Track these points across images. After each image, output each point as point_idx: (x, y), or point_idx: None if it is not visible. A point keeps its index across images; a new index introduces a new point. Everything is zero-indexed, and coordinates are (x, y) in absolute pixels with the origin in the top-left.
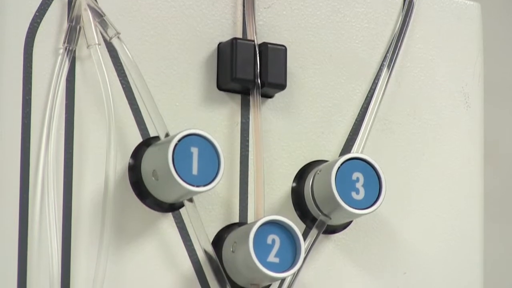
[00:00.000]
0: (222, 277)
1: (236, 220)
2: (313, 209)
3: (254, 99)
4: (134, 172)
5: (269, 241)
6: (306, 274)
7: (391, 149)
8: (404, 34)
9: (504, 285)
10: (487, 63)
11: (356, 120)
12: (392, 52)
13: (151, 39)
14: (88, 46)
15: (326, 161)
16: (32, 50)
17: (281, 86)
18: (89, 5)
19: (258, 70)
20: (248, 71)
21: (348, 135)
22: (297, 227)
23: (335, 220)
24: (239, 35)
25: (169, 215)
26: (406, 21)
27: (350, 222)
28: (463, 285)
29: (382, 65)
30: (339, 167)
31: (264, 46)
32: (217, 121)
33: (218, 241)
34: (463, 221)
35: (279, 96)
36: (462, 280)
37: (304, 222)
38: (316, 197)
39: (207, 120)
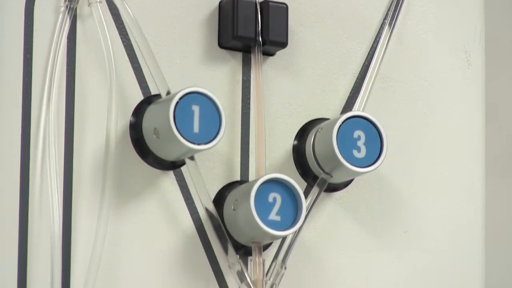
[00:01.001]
0: (223, 235)
1: (237, 178)
2: (314, 167)
3: (255, 57)
4: (135, 130)
5: (270, 199)
6: (307, 232)
7: (393, 107)
8: None
9: (506, 241)
10: (489, 23)
11: (357, 78)
12: (394, 9)
13: None
14: (89, 4)
15: (328, 119)
16: (33, 8)
17: (282, 44)
18: None
19: (259, 28)
20: (249, 29)
21: (350, 93)
22: (299, 185)
23: (336, 178)
24: None
25: (170, 173)
26: None
27: (352, 180)
28: (464, 243)
29: (383, 23)
30: (340, 125)
31: (265, 3)
32: (218, 79)
33: (219, 199)
34: (465, 179)
35: (280, 54)
36: (463, 238)
37: (306, 180)
38: (317, 155)
39: (208, 78)
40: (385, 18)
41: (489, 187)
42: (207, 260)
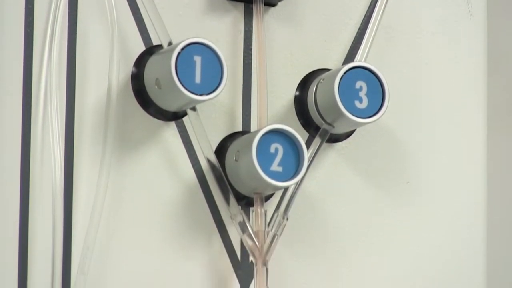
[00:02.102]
0: (225, 186)
1: (239, 129)
2: (316, 117)
3: (257, 8)
4: (137, 81)
5: (272, 150)
6: (309, 183)
7: (394, 58)
8: None
9: (508, 189)
10: None
11: (359, 28)
12: None
13: None
14: None
15: (329, 69)
16: None
17: None
18: None
19: None
20: None
21: (351, 44)
22: (300, 136)
23: (338, 129)
24: None
25: (172, 124)
26: None
27: (353, 130)
28: (466, 192)
29: None
30: (342, 76)
31: None
32: (220, 29)
33: (221, 150)
34: (467, 129)
35: (282, 4)
36: (466, 188)
37: (307, 130)
38: (319, 106)
39: (210, 29)
40: None
41: (491, 137)
42: (209, 211)
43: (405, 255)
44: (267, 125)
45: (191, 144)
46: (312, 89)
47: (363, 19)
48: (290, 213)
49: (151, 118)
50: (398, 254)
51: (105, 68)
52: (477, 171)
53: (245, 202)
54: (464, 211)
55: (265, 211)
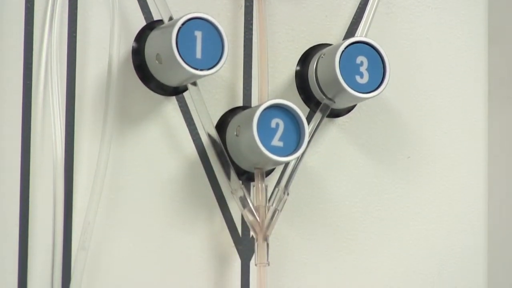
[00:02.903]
0: (226, 161)
1: (240, 103)
2: (317, 92)
3: None
4: (138, 56)
5: (273, 124)
6: (310, 158)
7: (395, 33)
8: None
9: (510, 171)
10: None
11: (360, 3)
12: None
13: None
14: None
15: (330, 44)
16: None
17: None
18: None
19: None
20: None
21: (352, 19)
22: (301, 111)
23: (339, 104)
24: None
25: (173, 99)
26: None
27: (354, 105)
28: (467, 167)
29: None
30: (343, 51)
31: None
32: (221, 4)
33: (221, 125)
34: (467, 104)
35: None
36: (467, 163)
37: (308, 105)
38: (320, 81)
39: (210, 4)
40: None
41: (492, 111)
42: (210, 186)
43: (405, 229)
44: (268, 100)
45: (192, 119)
46: (313, 64)
47: None
48: (291, 188)
49: (151, 93)
50: (399, 228)
51: (106, 43)
52: (478, 146)
53: (246, 177)
54: (464, 186)
55: (266, 186)
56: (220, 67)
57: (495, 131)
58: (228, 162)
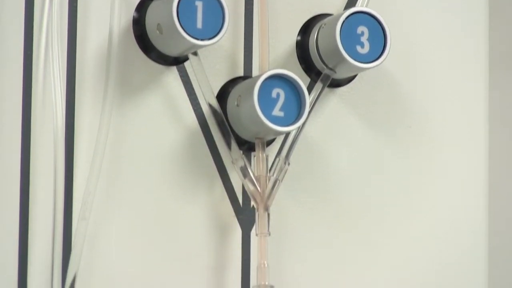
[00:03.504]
0: (227, 131)
1: (241, 74)
2: (318, 62)
3: None
4: (139, 26)
5: (273, 94)
6: (311, 128)
7: (396, 3)
8: None
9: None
10: None
11: None
12: None
13: None
14: None
15: (331, 14)
16: None
17: None
18: None
19: None
20: None
21: None
22: (302, 81)
23: (340, 74)
24: None
25: (174, 69)
26: None
27: (355, 75)
28: (467, 137)
29: None
30: (344, 21)
31: None
32: None
33: (222, 95)
34: (468, 75)
35: None
36: (467, 132)
37: (309, 75)
38: (321, 51)
39: None
40: None
41: (492, 82)
42: (211, 156)
43: (406, 198)
44: (269, 70)
45: (193, 89)
46: (314, 34)
47: None
48: (292, 158)
49: (152, 63)
50: (399, 197)
51: (107, 13)
52: (479, 114)
53: (247, 147)
54: (465, 153)
55: (267, 156)
56: (221, 37)
57: (496, 99)
58: (229, 132)
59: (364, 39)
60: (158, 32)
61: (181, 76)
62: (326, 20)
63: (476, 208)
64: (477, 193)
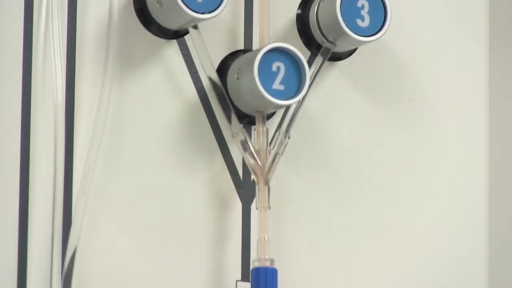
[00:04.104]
0: (227, 104)
1: (241, 47)
2: (318, 36)
3: None
4: None
5: (274, 68)
6: (311, 101)
7: None
8: None
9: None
10: None
11: None
12: None
13: None
14: None
15: None
16: None
17: None
18: None
19: None
20: None
21: None
22: (302, 54)
23: (340, 47)
24: None
25: (174, 42)
26: None
27: (355, 49)
28: (468, 108)
29: None
30: None
31: None
32: None
33: (222, 68)
34: (469, 44)
35: None
36: (468, 106)
37: (309, 49)
38: (321, 24)
39: None
40: None
41: (493, 55)
42: (211, 130)
43: (405, 171)
44: (269, 44)
45: (193, 63)
46: (314, 8)
47: None
48: (292, 131)
49: (152, 36)
50: (399, 170)
51: None
52: (480, 88)
53: (247, 120)
54: (466, 127)
55: (267, 130)
56: (221, 10)
57: (496, 72)
58: (229, 105)
59: (364, 12)
60: (158, 5)
61: (181, 50)
62: None
63: (476, 175)
64: (478, 161)
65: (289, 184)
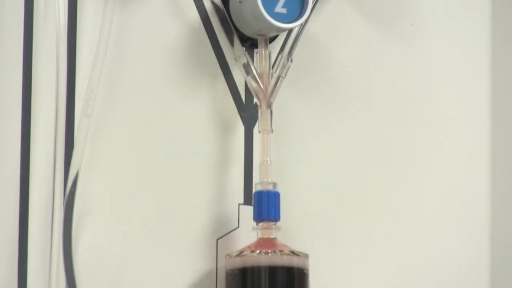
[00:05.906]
0: (229, 27)
1: None
2: None
3: None
4: None
5: None
6: (313, 25)
7: None
8: None
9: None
10: None
11: None
12: None
13: None
14: None
15: None
16: None
17: None
18: None
19: None
20: None
21: None
22: None
23: None
24: None
25: None
26: None
27: None
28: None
29: None
30: None
31: None
32: None
33: None
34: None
35: None
36: (468, 31)
37: None
38: None
39: None
40: None
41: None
42: (213, 53)
43: (407, 95)
44: None
45: None
46: None
47: None
48: (295, 54)
49: None
50: (400, 93)
51: None
52: (482, 13)
53: (250, 43)
54: (466, 55)
55: (270, 53)
56: None
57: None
58: (232, 28)
59: None
60: None
61: None
62: None
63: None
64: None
65: (291, 107)
